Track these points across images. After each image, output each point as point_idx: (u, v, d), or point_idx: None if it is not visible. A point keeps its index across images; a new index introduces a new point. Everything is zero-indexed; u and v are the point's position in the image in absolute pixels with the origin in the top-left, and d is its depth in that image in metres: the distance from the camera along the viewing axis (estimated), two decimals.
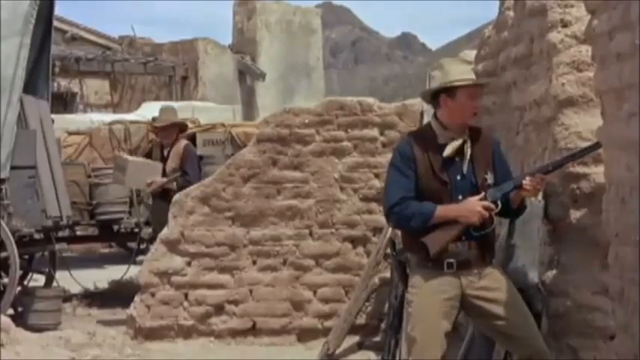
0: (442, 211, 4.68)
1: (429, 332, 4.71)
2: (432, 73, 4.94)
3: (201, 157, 12.13)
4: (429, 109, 8.30)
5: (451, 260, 4.72)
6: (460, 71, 4.83)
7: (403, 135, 5.35)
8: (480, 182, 4.79)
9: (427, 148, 4.79)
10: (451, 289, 4.74)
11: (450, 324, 4.78)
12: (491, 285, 4.77)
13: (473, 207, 4.70)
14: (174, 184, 9.41)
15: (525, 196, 4.89)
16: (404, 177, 4.76)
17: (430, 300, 4.72)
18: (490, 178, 4.83)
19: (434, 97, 4.86)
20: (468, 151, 4.81)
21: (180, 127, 9.96)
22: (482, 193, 4.76)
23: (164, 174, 9.58)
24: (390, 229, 7.88)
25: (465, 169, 4.80)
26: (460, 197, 4.75)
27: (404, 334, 4.96)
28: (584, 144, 4.82)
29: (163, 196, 9.45)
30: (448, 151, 4.78)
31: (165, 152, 9.73)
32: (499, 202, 4.77)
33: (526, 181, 4.78)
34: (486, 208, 4.72)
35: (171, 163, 9.57)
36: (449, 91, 4.77)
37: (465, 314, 5.04)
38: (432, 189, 4.75)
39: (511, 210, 4.91)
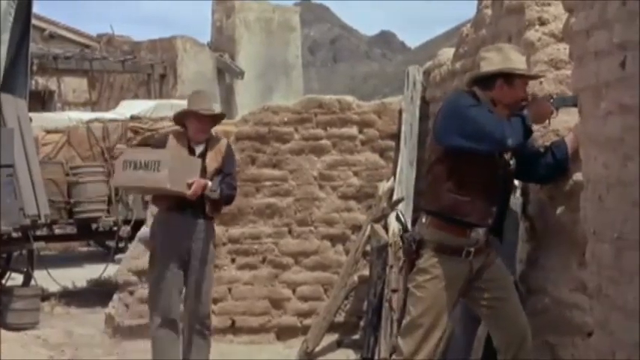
0: (529, 118, 4.66)
1: (437, 320, 4.76)
2: (483, 54, 4.79)
3: None
4: (408, 108, 8.34)
5: (470, 249, 4.74)
6: (521, 60, 4.77)
7: (459, 90, 5.10)
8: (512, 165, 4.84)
9: None
10: (463, 275, 4.78)
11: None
12: (492, 266, 4.84)
13: (545, 109, 4.73)
14: (219, 190, 6.75)
15: None
16: (490, 111, 4.67)
17: (445, 289, 4.75)
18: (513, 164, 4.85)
19: (486, 77, 4.75)
20: None
21: (218, 120, 7.14)
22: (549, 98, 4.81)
23: (202, 175, 6.75)
24: (369, 226, 7.91)
25: None
26: (500, 172, 4.75)
27: (404, 322, 4.91)
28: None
29: (191, 206, 6.72)
30: None
31: (197, 148, 6.86)
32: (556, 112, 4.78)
33: None
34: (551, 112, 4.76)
35: (213, 163, 6.83)
36: (508, 76, 4.70)
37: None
38: (489, 156, 4.71)
39: (559, 159, 4.80)
